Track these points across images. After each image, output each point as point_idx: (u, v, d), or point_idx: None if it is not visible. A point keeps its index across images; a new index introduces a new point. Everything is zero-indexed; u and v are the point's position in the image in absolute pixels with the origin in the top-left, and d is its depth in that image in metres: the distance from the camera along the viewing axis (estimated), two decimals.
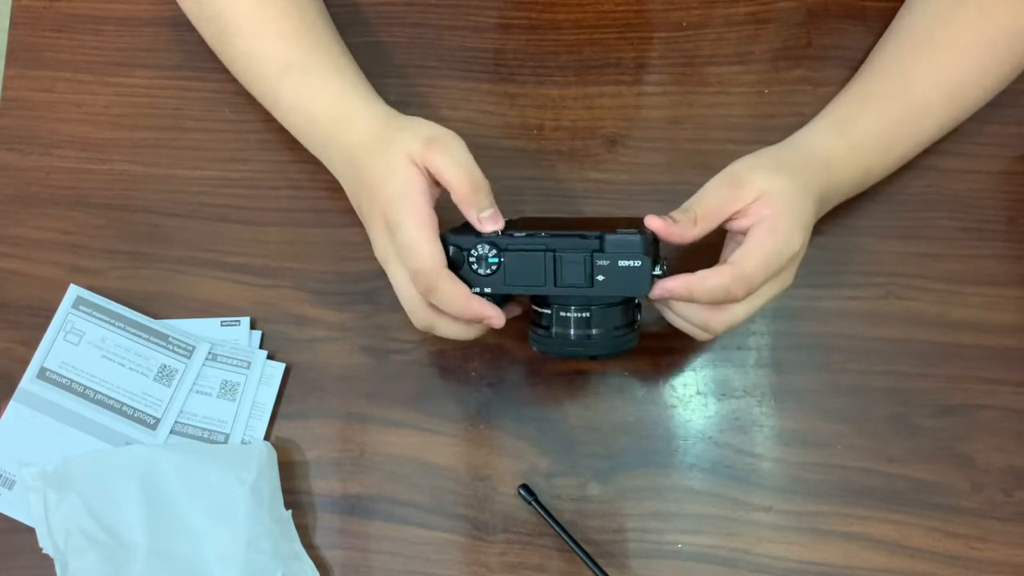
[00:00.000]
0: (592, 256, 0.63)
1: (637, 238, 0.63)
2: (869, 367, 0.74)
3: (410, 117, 0.70)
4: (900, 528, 0.71)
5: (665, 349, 0.75)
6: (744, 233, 0.66)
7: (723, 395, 0.74)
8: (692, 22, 0.81)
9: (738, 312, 0.66)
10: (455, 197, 0.65)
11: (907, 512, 0.72)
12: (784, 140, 0.72)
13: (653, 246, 0.65)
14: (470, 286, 0.65)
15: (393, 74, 0.80)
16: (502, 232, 0.65)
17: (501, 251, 0.65)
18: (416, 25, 0.82)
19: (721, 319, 0.66)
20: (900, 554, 0.71)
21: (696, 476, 0.73)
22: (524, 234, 0.65)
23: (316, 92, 0.72)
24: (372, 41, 0.81)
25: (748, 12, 0.81)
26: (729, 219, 0.66)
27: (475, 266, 0.65)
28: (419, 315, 0.67)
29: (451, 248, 0.65)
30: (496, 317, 0.65)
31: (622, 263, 0.63)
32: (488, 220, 0.65)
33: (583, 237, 0.64)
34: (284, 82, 0.73)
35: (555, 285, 0.64)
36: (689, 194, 0.77)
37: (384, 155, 0.66)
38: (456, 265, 0.65)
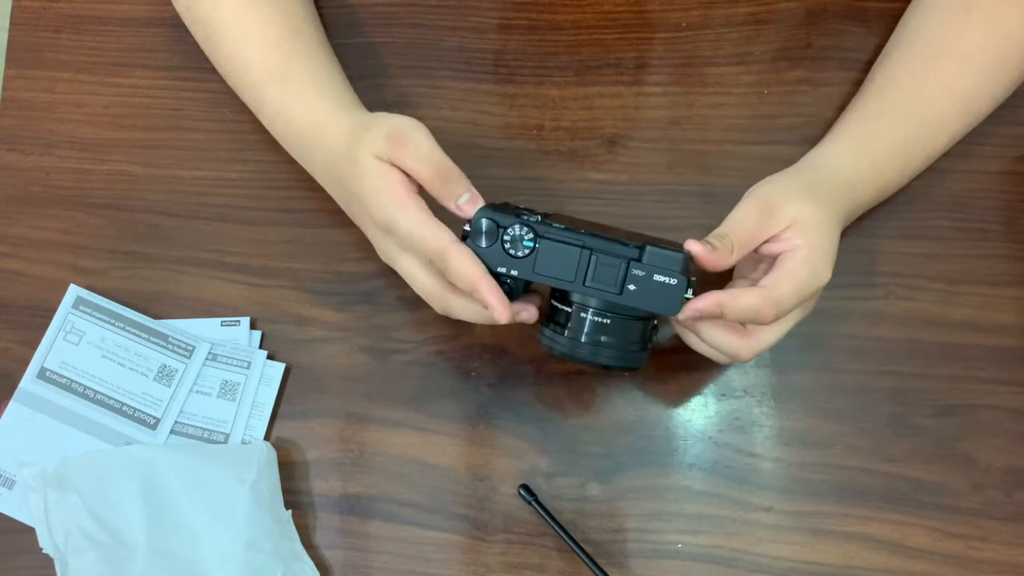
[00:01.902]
0: (629, 264, 0.62)
1: (679, 256, 0.62)
2: (869, 367, 0.74)
3: (374, 115, 0.69)
4: (900, 528, 0.71)
5: (665, 349, 0.75)
6: (773, 256, 0.65)
7: (723, 395, 0.74)
8: (692, 22, 0.81)
9: (766, 339, 0.66)
10: (428, 190, 0.64)
11: (907, 512, 0.72)
12: (806, 159, 0.71)
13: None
14: (498, 265, 0.63)
15: (393, 75, 0.80)
16: (541, 219, 0.64)
17: (538, 236, 0.63)
18: (416, 26, 0.82)
19: (749, 346, 0.66)
20: (900, 554, 0.71)
21: (696, 476, 0.73)
22: (563, 226, 0.63)
23: (293, 101, 0.72)
24: (372, 42, 0.81)
25: (748, 12, 0.81)
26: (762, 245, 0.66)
27: (508, 246, 0.63)
28: (435, 298, 0.67)
29: (485, 222, 0.63)
30: (499, 307, 0.62)
31: (657, 277, 0.62)
32: (467, 205, 0.64)
33: (623, 243, 0.63)
34: (266, 91, 0.73)
35: (584, 284, 0.63)
36: (689, 194, 0.77)
37: (355, 160, 0.66)
38: (490, 240, 0.63)
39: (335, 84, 0.73)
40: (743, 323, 0.65)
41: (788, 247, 0.64)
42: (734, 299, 0.63)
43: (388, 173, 0.64)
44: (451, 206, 0.64)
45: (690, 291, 0.63)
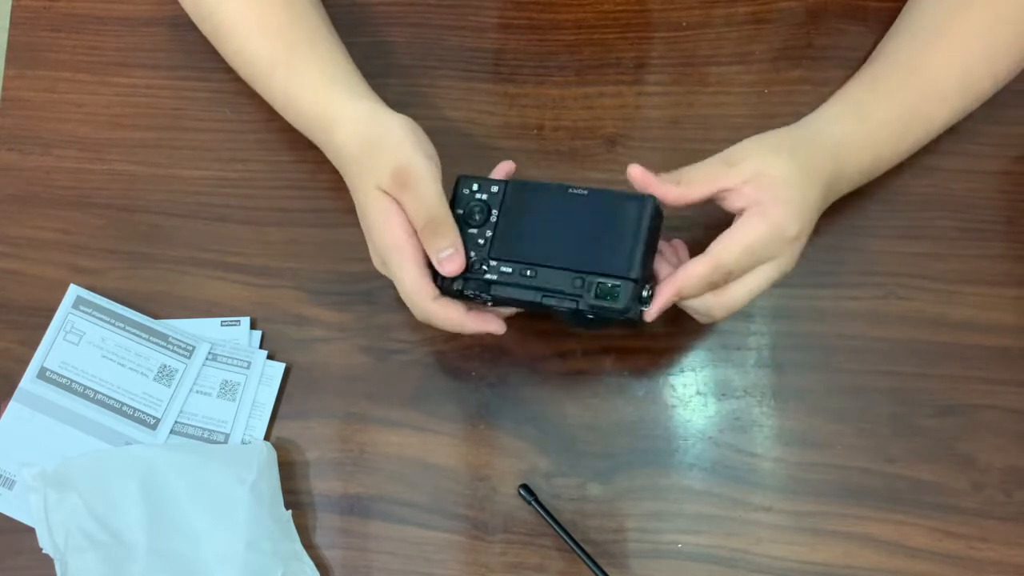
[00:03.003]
0: (577, 305, 0.64)
1: (617, 302, 0.63)
2: (869, 367, 0.74)
3: (388, 129, 0.68)
4: (900, 528, 0.71)
5: (665, 349, 0.75)
6: (739, 212, 0.66)
7: (723, 395, 0.74)
8: (692, 22, 0.81)
9: (736, 297, 0.66)
10: (419, 233, 0.65)
11: (907, 512, 0.72)
12: (800, 121, 0.71)
13: (644, 267, 0.64)
14: (473, 299, 0.68)
15: (393, 74, 0.80)
16: (488, 259, 0.66)
17: (493, 292, 0.66)
18: (417, 25, 0.82)
19: (721, 303, 0.67)
20: (900, 554, 0.71)
21: (696, 476, 0.73)
22: (511, 269, 0.65)
23: (301, 90, 0.72)
24: (373, 41, 0.81)
25: (748, 12, 0.81)
26: (721, 196, 0.66)
27: (467, 294, 0.67)
28: (424, 320, 0.69)
29: (444, 289, 0.67)
30: (495, 326, 0.67)
31: (606, 305, 0.64)
32: (447, 261, 0.65)
33: (570, 293, 0.64)
34: (273, 80, 0.73)
35: (544, 313, 0.68)
36: None
37: (361, 180, 0.68)
38: (457, 293, 0.67)
39: (341, 70, 0.73)
40: (707, 291, 0.66)
41: (747, 203, 0.65)
42: (686, 279, 0.64)
43: (390, 212, 0.66)
44: (433, 257, 0.65)
45: (646, 292, 0.64)
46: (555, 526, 0.70)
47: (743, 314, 0.75)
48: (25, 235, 0.78)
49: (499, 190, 0.67)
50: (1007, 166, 0.78)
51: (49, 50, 0.82)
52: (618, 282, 0.63)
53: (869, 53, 0.78)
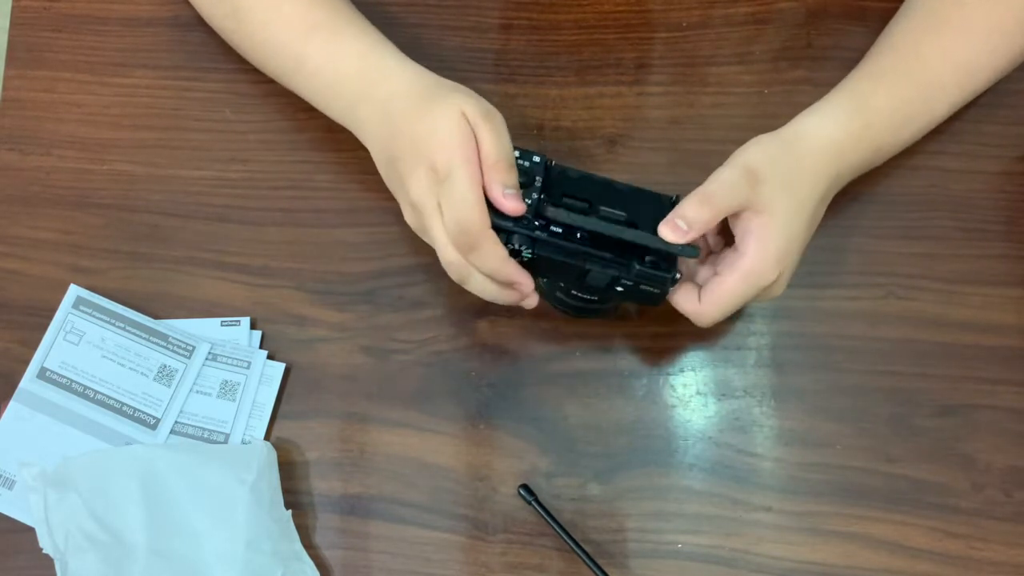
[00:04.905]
0: (620, 277, 0.66)
1: (661, 289, 0.66)
2: (869, 367, 0.74)
3: (455, 85, 0.69)
4: (900, 528, 0.71)
5: (665, 349, 0.75)
6: (735, 233, 0.67)
7: (723, 395, 0.74)
8: (692, 22, 0.81)
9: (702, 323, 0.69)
10: (488, 167, 0.64)
11: (907, 512, 0.72)
12: (798, 121, 0.70)
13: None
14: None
15: None
16: (543, 215, 0.66)
17: (536, 249, 0.66)
18: (417, 25, 0.82)
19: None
20: (900, 554, 0.71)
21: (696, 476, 0.73)
22: (561, 231, 0.66)
23: (346, 49, 0.71)
24: None
25: (748, 12, 0.82)
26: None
27: (511, 253, 0.66)
28: (456, 266, 0.67)
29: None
30: (527, 285, 0.67)
31: (643, 287, 0.67)
32: (510, 199, 0.64)
33: (616, 256, 0.66)
34: (310, 44, 0.72)
35: (577, 282, 0.68)
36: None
37: (432, 104, 0.66)
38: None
39: (386, 41, 0.73)
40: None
41: (740, 234, 0.66)
42: (677, 304, 0.68)
43: (468, 134, 0.65)
44: (497, 191, 0.64)
45: (677, 278, 0.67)
46: (555, 526, 0.70)
47: (743, 314, 0.75)
48: (25, 235, 0.78)
49: (541, 161, 0.68)
50: (1008, 166, 0.78)
51: (49, 50, 0.82)
52: (662, 283, 0.67)
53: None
